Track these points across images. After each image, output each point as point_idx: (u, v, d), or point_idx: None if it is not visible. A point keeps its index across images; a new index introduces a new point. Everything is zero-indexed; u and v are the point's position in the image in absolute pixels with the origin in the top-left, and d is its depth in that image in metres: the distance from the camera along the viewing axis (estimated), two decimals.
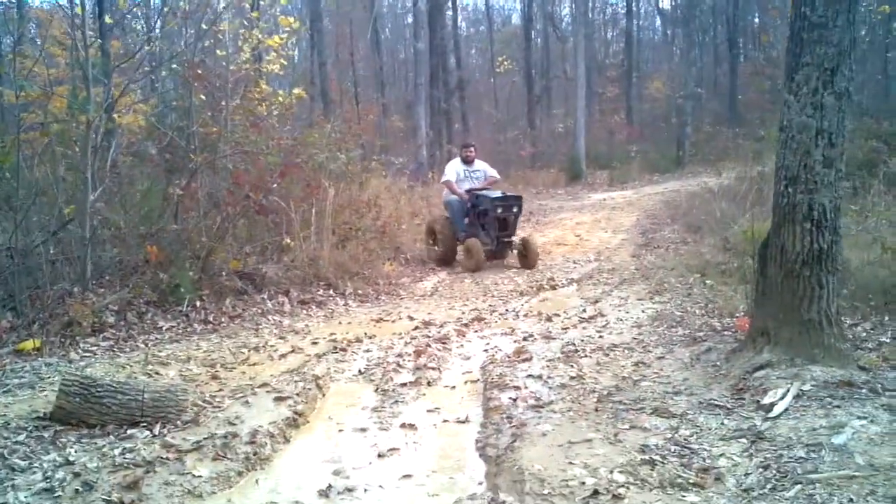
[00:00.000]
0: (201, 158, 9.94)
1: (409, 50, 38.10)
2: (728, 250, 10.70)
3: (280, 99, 13.72)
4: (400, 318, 8.86)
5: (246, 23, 13.26)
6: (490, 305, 9.50)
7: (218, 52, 12.19)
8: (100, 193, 9.00)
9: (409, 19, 38.32)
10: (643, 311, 8.35)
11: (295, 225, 10.64)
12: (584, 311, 8.70)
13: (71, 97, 10.07)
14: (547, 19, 39.45)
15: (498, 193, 12.57)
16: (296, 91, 15.60)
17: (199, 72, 10.83)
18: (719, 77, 38.84)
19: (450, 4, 34.14)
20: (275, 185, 10.37)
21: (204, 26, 11.27)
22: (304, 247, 10.51)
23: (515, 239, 12.69)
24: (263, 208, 9.97)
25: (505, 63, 38.40)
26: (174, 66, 11.93)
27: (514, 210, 12.47)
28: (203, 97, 11.07)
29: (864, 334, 6.75)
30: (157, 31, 13.30)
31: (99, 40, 12.21)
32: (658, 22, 47.69)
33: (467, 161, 13.19)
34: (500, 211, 12.25)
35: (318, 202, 11.05)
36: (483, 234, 12.59)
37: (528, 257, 12.34)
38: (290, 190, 11.00)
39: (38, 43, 15.78)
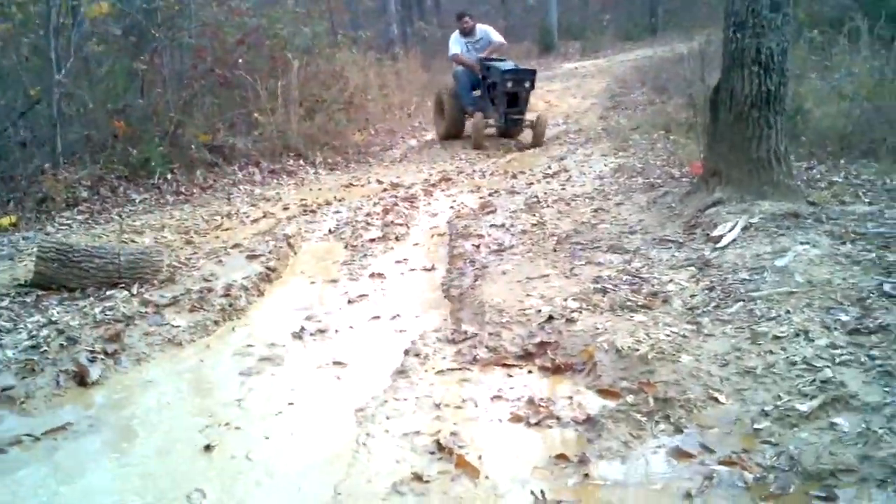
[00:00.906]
0: (163, 33, 9.89)
1: None
2: (692, 107, 10.80)
3: None
4: (369, 183, 9.05)
5: None
6: (457, 167, 9.69)
7: None
8: (65, 73, 8.98)
9: None
10: (605, 166, 8.56)
11: (262, 98, 10.66)
12: (549, 167, 8.89)
13: None
14: None
15: (509, 65, 11.39)
16: None
17: None
18: None
19: None
20: (239, 60, 10.39)
21: None
22: (272, 119, 10.55)
23: (528, 117, 11.54)
24: (228, 81, 9.99)
25: None
26: None
27: (526, 85, 11.22)
28: None
29: (819, 176, 6.99)
30: None
31: None
32: None
33: (466, 32, 12.00)
34: (510, 85, 11.05)
35: (284, 75, 11.04)
36: (492, 108, 11.55)
37: (535, 134, 11.26)
38: (255, 64, 10.98)
39: None
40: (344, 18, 20.21)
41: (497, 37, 12.14)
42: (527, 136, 11.48)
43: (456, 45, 11.99)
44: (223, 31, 10.61)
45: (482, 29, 12.18)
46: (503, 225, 6.49)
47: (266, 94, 10.74)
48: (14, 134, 8.96)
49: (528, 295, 4.67)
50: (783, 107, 5.88)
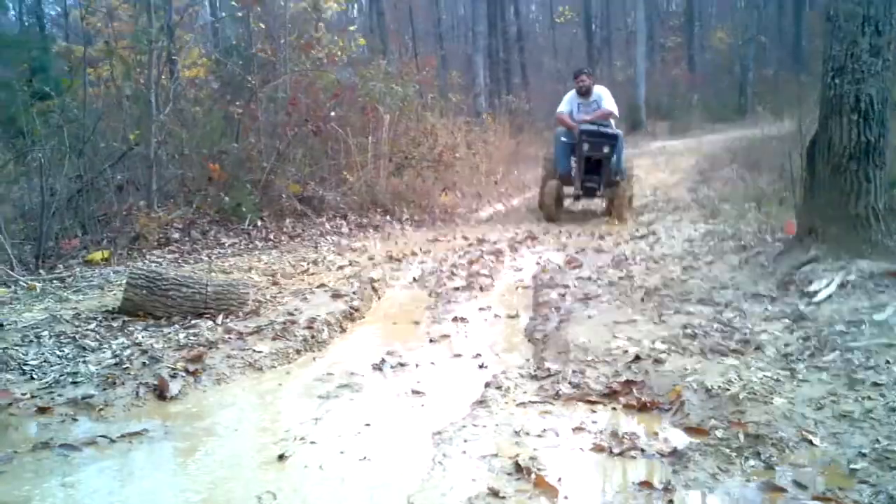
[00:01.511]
0: (259, 80, 10.18)
1: (469, 7, 37.91)
2: (786, 178, 10.57)
3: (338, 40, 13.81)
4: (455, 239, 9.06)
5: None
6: (544, 228, 9.66)
7: None
8: (163, 118, 9.29)
9: None
10: (695, 231, 8.41)
11: (353, 152, 10.84)
12: (637, 231, 8.80)
13: (137, 29, 10.42)
14: None
15: (590, 126, 10.30)
16: (355, 35, 15.69)
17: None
18: (784, 26, 37.85)
19: None
20: (332, 113, 10.62)
21: None
22: (361, 174, 10.70)
23: (615, 188, 10.41)
24: (321, 131, 10.19)
25: (565, 13, 38.03)
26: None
27: (605, 150, 10.11)
28: (262, 25, 11.28)
29: None
30: None
31: None
32: None
33: (581, 92, 10.87)
34: (586, 148, 10.10)
35: (375, 131, 11.23)
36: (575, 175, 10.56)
37: (616, 206, 10.24)
38: (347, 119, 11.21)
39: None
40: (434, 86, 20.57)
41: (610, 103, 10.90)
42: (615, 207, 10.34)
43: (566, 103, 11.01)
44: (317, 83, 10.88)
45: (599, 92, 11.01)
46: (590, 278, 6.41)
47: (356, 148, 10.91)
48: (111, 176, 9.26)
49: (614, 336, 4.58)
50: (884, 160, 5.64)
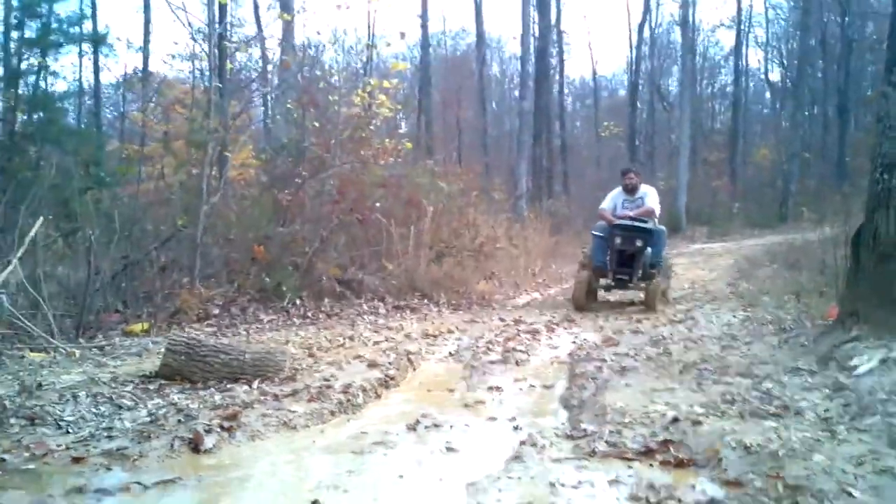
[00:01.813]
0: (309, 170, 10.44)
1: (514, 120, 38.60)
2: (825, 274, 10.51)
3: (387, 142, 14.10)
4: (491, 320, 9.05)
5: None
6: (581, 313, 9.62)
7: (330, 97, 12.74)
8: (212, 205, 9.57)
9: (516, 93, 38.92)
10: (734, 317, 8.35)
11: (394, 241, 10.98)
12: (675, 316, 8.75)
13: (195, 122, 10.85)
14: (654, 90, 39.56)
15: (625, 221, 10.18)
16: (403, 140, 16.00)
17: (312, 97, 11.43)
18: (828, 143, 37.98)
19: (556, 69, 34.67)
20: (377, 204, 10.83)
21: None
22: (401, 260, 10.82)
23: (649, 284, 10.07)
24: (366, 218, 10.35)
25: (610, 127, 38.53)
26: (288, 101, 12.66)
27: (638, 243, 9.91)
28: (316, 124, 11.60)
29: None
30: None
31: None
32: (767, 94, 47.03)
33: (628, 189, 10.81)
34: (618, 241, 9.96)
35: (417, 222, 11.40)
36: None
37: (647, 296, 10.02)
38: (391, 210, 11.40)
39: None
40: (477, 189, 20.88)
41: (654, 200, 10.68)
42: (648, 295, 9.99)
43: (610, 200, 10.90)
44: (364, 176, 11.14)
45: (645, 190, 10.87)
46: (627, 354, 6.38)
47: (398, 237, 11.05)
48: (157, 257, 9.46)
49: (652, 402, 4.54)
50: None
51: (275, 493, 3.53)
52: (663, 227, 10.80)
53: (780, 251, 16.57)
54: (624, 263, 10.03)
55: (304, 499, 3.33)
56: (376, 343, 7.36)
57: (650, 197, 10.67)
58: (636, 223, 10.12)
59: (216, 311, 8.44)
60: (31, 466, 3.79)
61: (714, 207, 30.38)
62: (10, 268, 7.03)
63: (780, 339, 6.43)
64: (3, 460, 3.84)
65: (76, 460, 3.86)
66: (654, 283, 9.97)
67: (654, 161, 37.86)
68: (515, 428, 4.53)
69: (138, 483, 3.54)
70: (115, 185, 10.82)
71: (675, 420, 4.09)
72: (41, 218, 8.05)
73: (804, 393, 4.55)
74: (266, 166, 12.25)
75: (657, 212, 10.69)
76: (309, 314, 8.93)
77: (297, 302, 9.15)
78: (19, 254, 7.27)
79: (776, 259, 15.62)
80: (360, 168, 11.27)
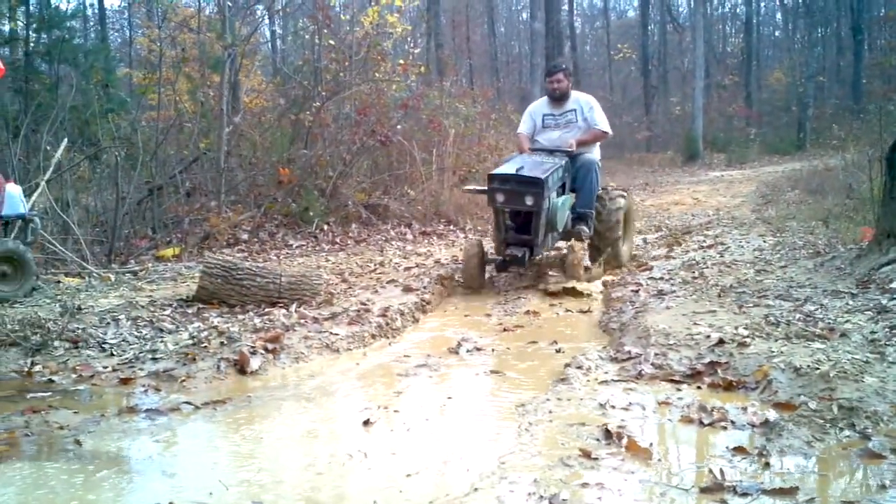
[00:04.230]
0: (328, 89, 10.34)
1: (523, 45, 38.02)
2: (852, 198, 10.38)
3: (400, 61, 13.92)
4: None
5: None
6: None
7: (342, 16, 12.59)
8: (234, 125, 9.51)
9: (524, 15, 38.28)
10: (764, 242, 8.25)
11: (417, 164, 10.92)
12: (705, 241, 8.66)
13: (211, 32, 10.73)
14: (665, 9, 38.79)
15: (507, 168, 6.57)
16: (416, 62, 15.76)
17: (327, 13, 11.28)
18: (843, 67, 37.29)
19: None
20: (398, 126, 10.74)
21: None
22: (425, 185, 10.77)
23: (550, 252, 7.03)
24: (388, 139, 10.27)
25: (624, 50, 37.98)
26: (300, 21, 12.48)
27: (528, 202, 6.32)
28: (332, 42, 11.44)
29: None
30: None
31: None
32: (778, 15, 46.06)
33: (556, 98, 7.46)
34: (499, 199, 6.50)
35: (439, 145, 11.31)
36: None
37: (567, 266, 6.61)
38: (413, 133, 11.30)
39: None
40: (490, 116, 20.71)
41: (600, 118, 7.39)
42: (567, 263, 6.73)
43: (528, 117, 7.72)
44: (383, 98, 11.04)
45: (579, 99, 7.50)
46: (661, 278, 6.34)
47: (421, 161, 10.99)
48: (182, 182, 9.45)
49: (695, 324, 4.51)
50: None
51: (326, 413, 3.56)
52: (594, 157, 7.44)
53: (801, 177, 16.41)
54: (511, 227, 6.66)
55: (356, 419, 3.35)
56: (407, 269, 7.36)
57: (595, 110, 7.42)
58: (523, 172, 6.37)
59: (245, 237, 8.46)
60: (81, 387, 3.83)
61: (730, 133, 30.01)
62: (39, 190, 7.03)
63: (815, 263, 6.35)
64: (52, 381, 3.89)
65: (124, 381, 3.91)
66: (578, 245, 6.80)
67: (667, 85, 37.43)
68: (558, 351, 4.55)
69: (188, 403, 3.58)
70: (134, 109, 10.75)
71: (721, 342, 4.06)
72: (65, 140, 8.02)
73: (847, 315, 4.51)
74: (282, 88, 12.14)
75: (609, 132, 7.56)
76: (337, 240, 8.94)
77: (325, 227, 9.17)
78: (47, 176, 7.27)
79: (798, 185, 15.46)
80: (378, 89, 11.14)
